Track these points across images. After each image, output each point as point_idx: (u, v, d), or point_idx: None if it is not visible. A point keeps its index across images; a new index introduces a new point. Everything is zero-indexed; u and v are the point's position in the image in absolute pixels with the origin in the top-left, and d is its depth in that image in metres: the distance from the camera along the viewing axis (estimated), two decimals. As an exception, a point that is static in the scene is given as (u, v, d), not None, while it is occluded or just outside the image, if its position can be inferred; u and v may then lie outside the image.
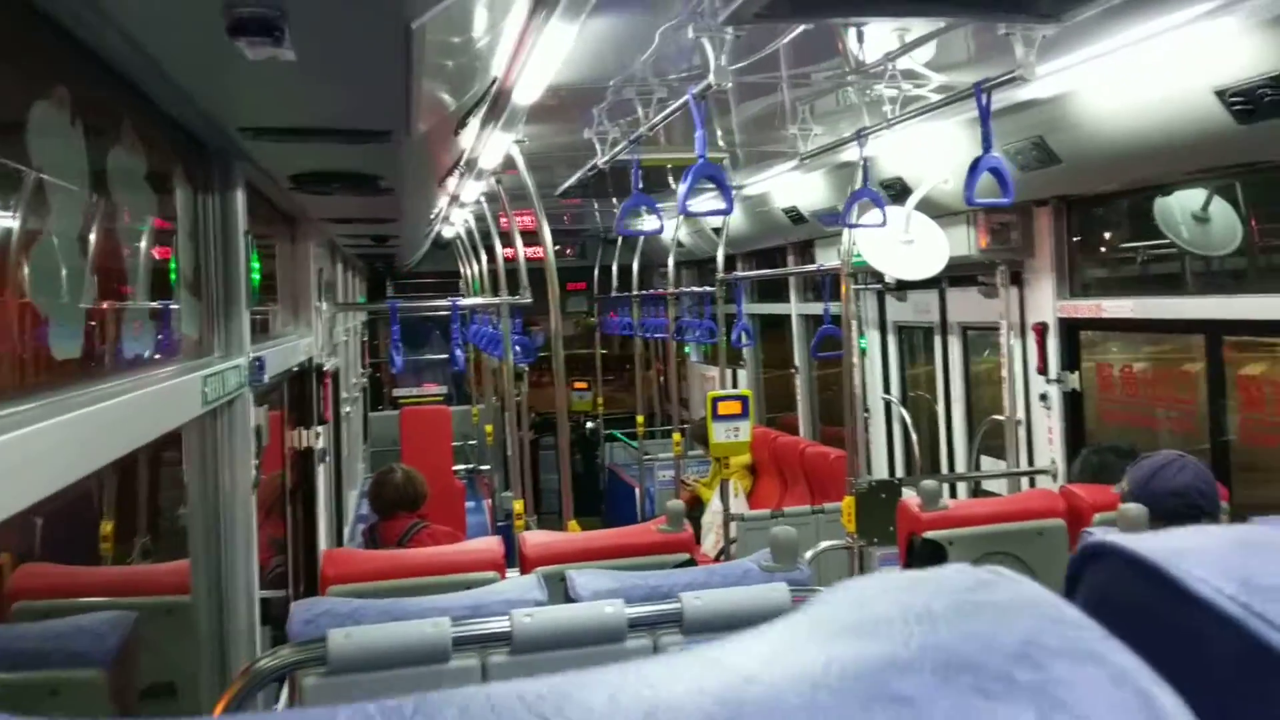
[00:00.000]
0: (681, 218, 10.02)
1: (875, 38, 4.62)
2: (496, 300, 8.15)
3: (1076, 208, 6.84)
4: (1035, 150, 5.67)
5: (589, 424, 15.93)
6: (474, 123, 4.33)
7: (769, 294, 12.75)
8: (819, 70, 5.26)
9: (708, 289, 11.64)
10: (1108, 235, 7.07)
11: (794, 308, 11.68)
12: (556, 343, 7.16)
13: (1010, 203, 4.85)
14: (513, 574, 4.51)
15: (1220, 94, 4.36)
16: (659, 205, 5.96)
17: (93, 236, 2.36)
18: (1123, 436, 6.39)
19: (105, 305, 2.48)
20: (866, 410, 9.11)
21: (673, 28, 4.24)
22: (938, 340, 8.75)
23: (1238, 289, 5.66)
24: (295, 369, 5.63)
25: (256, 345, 4.00)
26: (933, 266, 6.53)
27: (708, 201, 6.40)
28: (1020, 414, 7.34)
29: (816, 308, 9.60)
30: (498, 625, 2.88)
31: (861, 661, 0.56)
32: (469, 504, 12.14)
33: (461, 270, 14.51)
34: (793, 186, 8.93)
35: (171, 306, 3.20)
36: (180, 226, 3.30)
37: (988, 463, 7.92)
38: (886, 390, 9.86)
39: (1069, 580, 0.77)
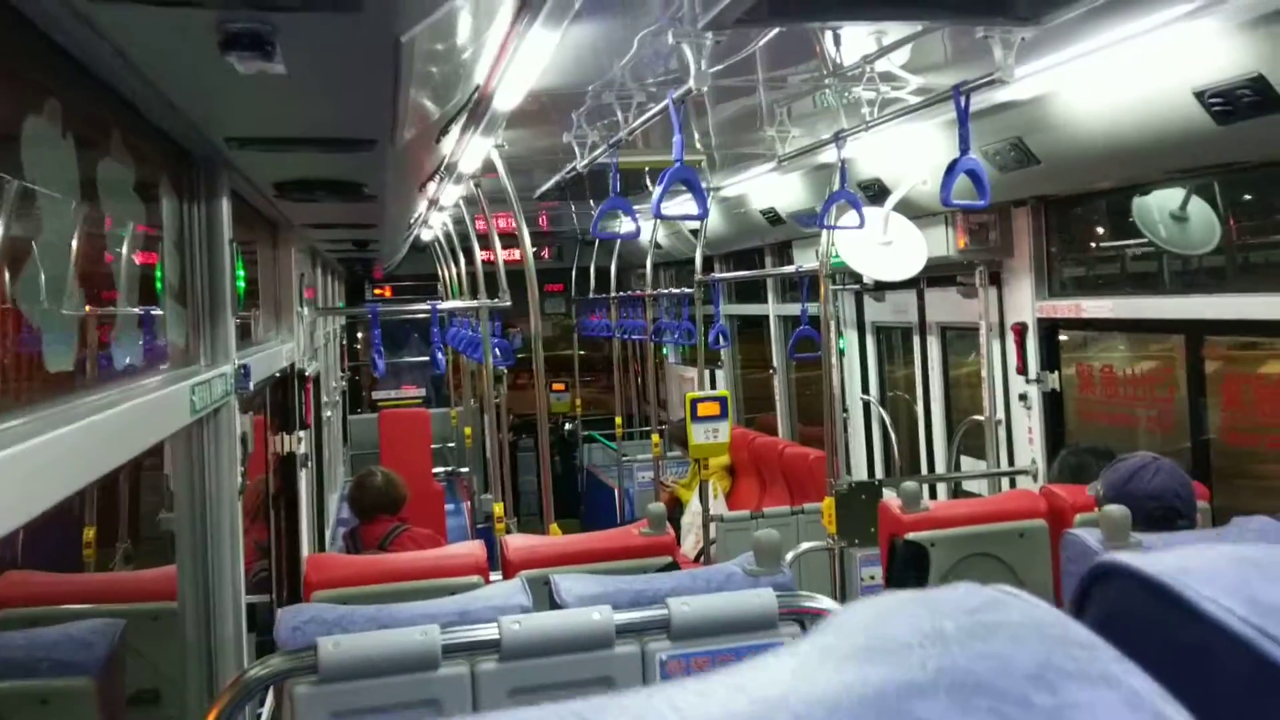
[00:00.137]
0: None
1: (852, 40, 4.63)
2: (476, 303, 8.14)
3: (1055, 207, 6.84)
4: (1014, 151, 5.68)
5: (567, 425, 15.92)
6: (455, 129, 4.34)
7: (747, 295, 12.76)
8: (796, 73, 5.27)
9: (686, 290, 11.64)
10: (1086, 235, 7.09)
11: (771, 308, 11.69)
12: (537, 345, 7.16)
13: (986, 205, 4.86)
14: (495, 577, 4.52)
15: (1199, 95, 4.37)
16: (635, 208, 5.96)
17: (83, 247, 2.37)
18: (1102, 437, 6.42)
19: (94, 315, 2.48)
20: (845, 411, 9.13)
21: (651, 33, 4.25)
22: (916, 340, 8.76)
23: (1217, 288, 5.68)
24: (278, 374, 5.63)
25: (241, 352, 4.00)
26: (911, 267, 6.54)
27: (683, 205, 6.40)
28: (1000, 414, 7.35)
29: (794, 308, 9.59)
30: (486, 632, 2.89)
31: (880, 685, 0.57)
32: (448, 506, 12.15)
33: (440, 273, 14.49)
34: (770, 188, 8.94)
35: (154, 313, 3.20)
36: (166, 235, 3.29)
37: (967, 463, 7.93)
38: (865, 391, 9.87)
39: (1077, 598, 0.78)
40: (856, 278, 7.96)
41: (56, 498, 1.87)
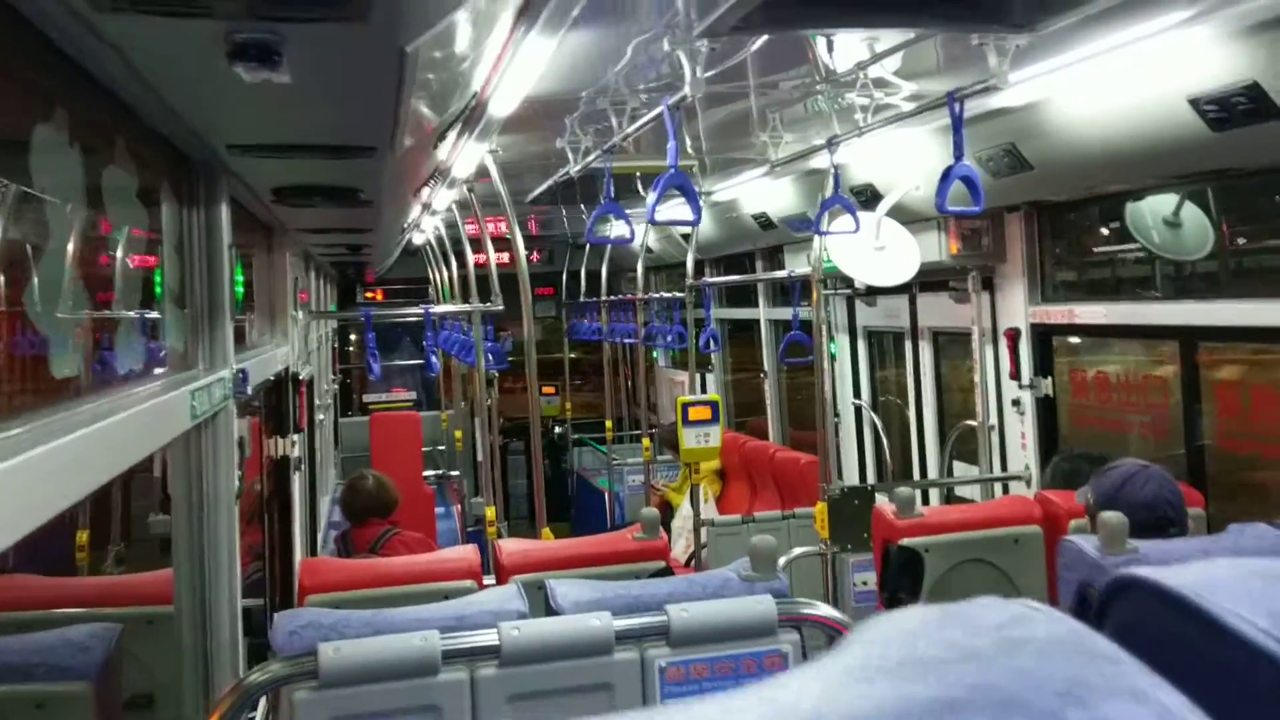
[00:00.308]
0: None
1: (846, 46, 4.63)
2: (469, 307, 8.14)
3: (1048, 213, 6.85)
4: (1007, 157, 5.68)
5: (557, 429, 15.91)
6: (451, 134, 4.34)
7: (738, 299, 12.77)
8: (789, 79, 5.27)
9: (677, 295, 11.64)
10: (1080, 240, 7.08)
11: (763, 313, 11.70)
12: (529, 349, 7.15)
13: (980, 211, 4.87)
14: (489, 581, 4.52)
15: (1194, 102, 4.38)
16: (628, 212, 5.96)
17: (86, 253, 2.37)
18: (1095, 442, 6.43)
19: (96, 321, 2.48)
20: (837, 415, 9.14)
21: (646, 40, 4.24)
22: (908, 345, 8.76)
23: (1210, 294, 5.69)
24: (273, 378, 5.63)
25: (238, 357, 4.00)
26: (904, 273, 6.56)
27: (676, 210, 6.40)
28: (993, 419, 7.36)
29: (785, 313, 9.58)
30: (485, 639, 2.89)
31: (917, 701, 0.58)
32: (439, 509, 12.15)
33: (431, 276, 14.48)
34: (762, 193, 8.93)
35: (149, 317, 3.20)
36: (166, 240, 3.29)
37: (960, 468, 7.93)
38: (857, 395, 9.88)
39: (1097, 611, 0.79)
40: (848, 282, 7.95)
41: (60, 507, 1.86)
